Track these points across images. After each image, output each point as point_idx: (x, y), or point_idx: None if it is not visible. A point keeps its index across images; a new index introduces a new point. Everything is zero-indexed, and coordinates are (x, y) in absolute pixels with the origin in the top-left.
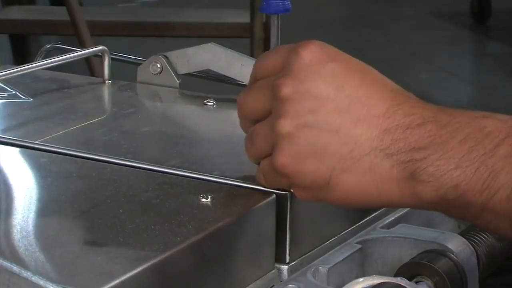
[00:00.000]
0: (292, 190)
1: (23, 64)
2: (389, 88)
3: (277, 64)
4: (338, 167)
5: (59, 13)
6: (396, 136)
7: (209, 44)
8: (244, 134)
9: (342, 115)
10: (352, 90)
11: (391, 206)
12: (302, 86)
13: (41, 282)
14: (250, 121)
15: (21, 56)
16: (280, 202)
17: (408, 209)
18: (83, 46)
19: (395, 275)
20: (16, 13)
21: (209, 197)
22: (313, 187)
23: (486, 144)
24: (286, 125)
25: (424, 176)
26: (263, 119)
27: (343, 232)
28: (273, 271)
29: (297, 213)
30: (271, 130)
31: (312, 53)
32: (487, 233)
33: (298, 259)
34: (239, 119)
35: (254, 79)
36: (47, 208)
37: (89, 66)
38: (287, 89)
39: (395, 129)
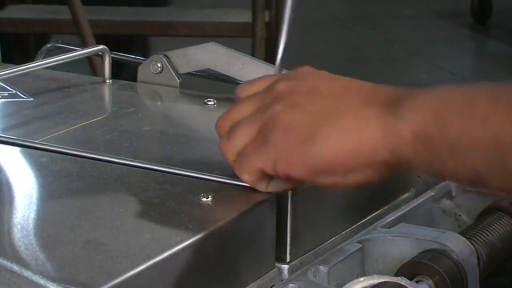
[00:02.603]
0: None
1: (25, 63)
2: (372, 84)
3: (265, 84)
4: (324, 124)
5: (61, 12)
6: (380, 95)
7: (209, 43)
8: None
9: (335, 97)
10: (344, 82)
11: (372, 158)
12: (298, 81)
13: (42, 281)
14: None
15: (24, 55)
16: (281, 202)
17: (408, 208)
18: (85, 45)
19: (396, 275)
20: (17, 11)
21: (210, 196)
22: (297, 145)
23: (462, 88)
24: (282, 103)
25: (405, 108)
26: None
27: (344, 232)
28: (274, 270)
29: (297, 212)
30: (259, 116)
31: (306, 68)
32: (487, 232)
33: (299, 259)
34: (218, 132)
35: (241, 98)
36: (47, 207)
37: (91, 65)
38: (284, 83)
39: (378, 91)
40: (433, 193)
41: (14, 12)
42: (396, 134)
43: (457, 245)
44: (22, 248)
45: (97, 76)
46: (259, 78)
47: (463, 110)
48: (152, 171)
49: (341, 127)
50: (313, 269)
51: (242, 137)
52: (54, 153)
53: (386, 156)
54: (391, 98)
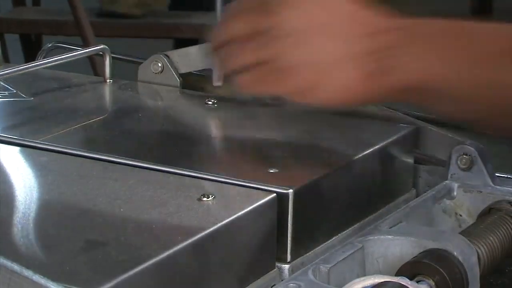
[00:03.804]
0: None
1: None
2: (365, 7)
3: None
4: (325, 73)
5: (66, 14)
6: (370, 42)
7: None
8: (244, 134)
9: (328, 30)
10: (335, 9)
11: (371, 101)
12: (295, 9)
13: (42, 281)
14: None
15: (32, 56)
16: (281, 201)
17: (409, 208)
18: (87, 45)
19: (396, 274)
20: (25, 13)
21: (210, 196)
22: (305, 91)
23: (441, 40)
24: (285, 42)
25: (392, 69)
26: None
27: (344, 231)
28: (274, 270)
29: (298, 212)
30: (263, 46)
31: None
32: (488, 232)
33: (299, 258)
34: (212, 46)
35: (237, 10)
36: (48, 207)
37: (93, 65)
38: (283, 12)
39: (370, 36)
40: (433, 193)
41: (21, 13)
42: (389, 87)
43: (458, 245)
44: (22, 248)
45: (98, 75)
46: None
47: (442, 70)
48: (152, 171)
49: (340, 78)
50: (313, 268)
51: (248, 59)
52: (54, 153)
53: (380, 100)
54: (382, 46)
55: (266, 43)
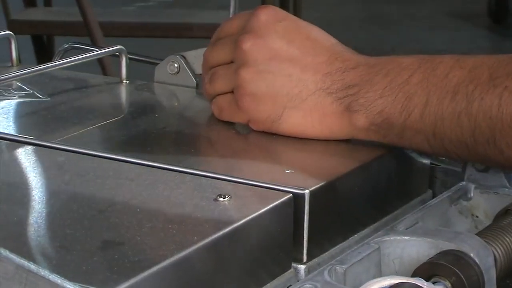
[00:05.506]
0: (249, 125)
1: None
2: (331, 41)
3: (239, 25)
4: (288, 105)
5: (77, 15)
6: (335, 78)
7: None
8: (260, 135)
9: (293, 63)
10: (301, 43)
11: (332, 138)
12: (260, 40)
13: (58, 280)
14: (211, 70)
15: (44, 56)
16: (298, 202)
17: (425, 209)
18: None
19: (412, 276)
20: (36, 14)
21: (227, 196)
22: (267, 121)
23: (403, 75)
24: (248, 71)
25: (357, 106)
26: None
27: (360, 232)
28: (290, 270)
29: (314, 212)
30: (233, 74)
31: (268, 15)
32: (504, 233)
33: (315, 259)
34: (202, 70)
35: (218, 38)
36: (64, 207)
37: (102, 65)
38: (248, 43)
39: (334, 73)
40: (450, 194)
41: (33, 14)
42: (353, 124)
43: (474, 246)
44: (39, 247)
45: (107, 75)
46: (236, 17)
47: (402, 103)
48: (168, 171)
49: (303, 112)
50: (329, 269)
51: (220, 87)
52: (71, 153)
53: (342, 137)
54: (347, 83)
55: (234, 72)
